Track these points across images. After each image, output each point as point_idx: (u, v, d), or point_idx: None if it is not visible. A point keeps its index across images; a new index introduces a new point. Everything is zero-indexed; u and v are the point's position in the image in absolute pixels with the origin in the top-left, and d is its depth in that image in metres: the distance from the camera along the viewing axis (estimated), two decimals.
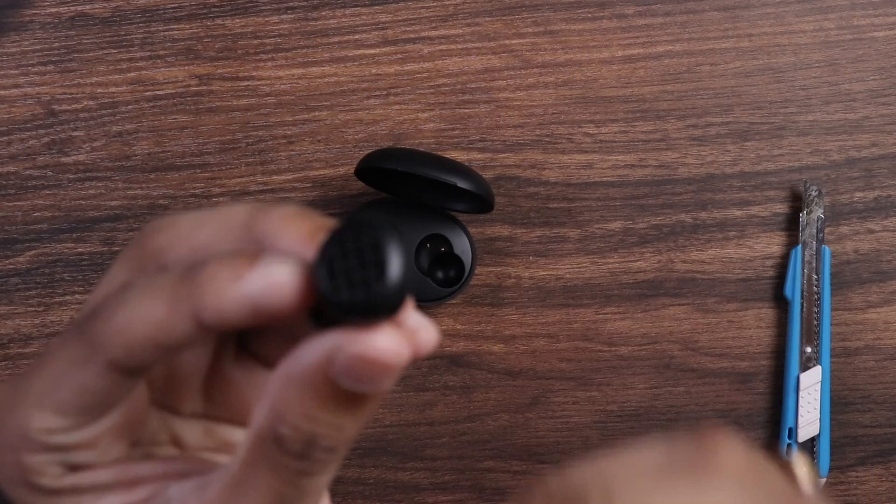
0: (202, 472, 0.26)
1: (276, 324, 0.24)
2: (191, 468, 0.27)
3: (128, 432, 0.27)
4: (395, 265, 0.22)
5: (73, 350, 0.25)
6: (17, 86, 0.52)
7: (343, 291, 0.22)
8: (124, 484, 0.26)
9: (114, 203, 0.52)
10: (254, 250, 0.24)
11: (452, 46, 0.52)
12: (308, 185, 0.52)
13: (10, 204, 0.52)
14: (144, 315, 0.24)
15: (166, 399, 0.29)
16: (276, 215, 0.25)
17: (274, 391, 0.24)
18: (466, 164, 0.52)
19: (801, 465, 0.26)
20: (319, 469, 0.24)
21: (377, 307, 0.22)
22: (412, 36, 0.52)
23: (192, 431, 0.30)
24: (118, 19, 0.52)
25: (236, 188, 0.52)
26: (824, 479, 0.52)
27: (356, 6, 0.52)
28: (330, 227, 0.24)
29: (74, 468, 0.26)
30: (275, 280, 0.23)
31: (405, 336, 0.23)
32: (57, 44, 0.52)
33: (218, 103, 0.52)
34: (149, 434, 0.29)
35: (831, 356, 0.52)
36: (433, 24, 0.52)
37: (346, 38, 0.52)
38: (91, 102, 0.52)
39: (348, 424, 0.24)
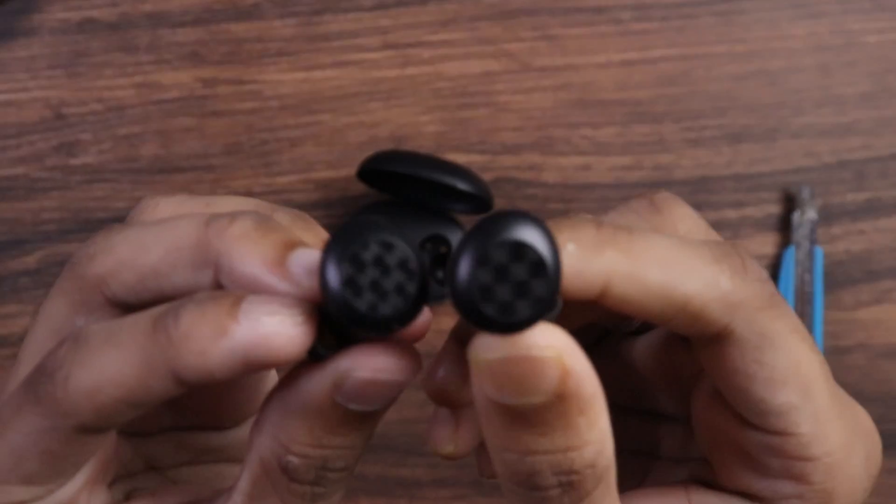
0: (198, 502, 0.25)
1: (270, 368, 0.22)
2: (184, 501, 0.25)
3: (104, 477, 0.25)
4: (420, 266, 0.21)
5: (32, 419, 0.22)
6: (26, 89, 0.53)
7: (378, 305, 0.20)
8: None
9: (121, 204, 0.53)
10: (235, 295, 0.21)
11: (452, 51, 0.53)
12: (311, 186, 0.53)
13: (20, 205, 0.53)
14: (114, 376, 0.21)
15: (134, 426, 0.27)
16: (231, 234, 0.22)
17: (274, 422, 0.22)
18: (466, 166, 0.53)
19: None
20: (335, 488, 0.23)
21: (411, 314, 0.21)
22: (413, 40, 0.53)
23: (163, 449, 0.28)
24: (125, 24, 0.53)
25: (240, 190, 0.53)
26: None
27: (358, 11, 0.53)
28: (295, 241, 0.22)
29: None
30: (269, 331, 0.21)
31: (410, 345, 0.22)
32: (65, 48, 0.53)
33: (222, 107, 0.53)
34: (125, 467, 0.27)
35: (824, 354, 0.53)
36: (433, 29, 0.53)
37: (348, 42, 0.53)
38: (98, 106, 0.53)
39: (358, 442, 0.23)
